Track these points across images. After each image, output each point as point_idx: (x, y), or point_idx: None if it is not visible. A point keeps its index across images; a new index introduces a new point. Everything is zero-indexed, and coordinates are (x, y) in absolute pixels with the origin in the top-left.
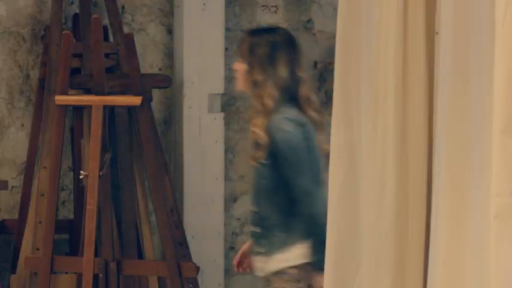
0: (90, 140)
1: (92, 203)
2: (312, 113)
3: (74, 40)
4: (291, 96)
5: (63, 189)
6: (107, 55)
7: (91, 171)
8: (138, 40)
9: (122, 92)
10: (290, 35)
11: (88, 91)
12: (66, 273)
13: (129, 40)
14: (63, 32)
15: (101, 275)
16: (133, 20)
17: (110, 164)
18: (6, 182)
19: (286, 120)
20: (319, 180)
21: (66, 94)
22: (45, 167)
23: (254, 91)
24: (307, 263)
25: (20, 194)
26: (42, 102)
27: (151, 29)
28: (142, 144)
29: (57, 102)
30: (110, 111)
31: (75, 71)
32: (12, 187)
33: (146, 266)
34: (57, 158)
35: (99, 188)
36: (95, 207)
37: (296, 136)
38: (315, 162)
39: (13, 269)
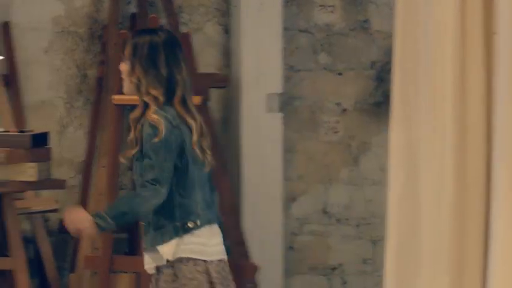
0: None
1: None
2: (187, 116)
3: None
4: (170, 96)
5: (121, 188)
6: None
7: None
8: (195, 40)
9: None
10: (172, 36)
11: None
12: (126, 272)
13: (186, 39)
14: (120, 32)
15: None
16: (190, 20)
17: None
18: (64, 181)
19: (162, 118)
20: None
21: (122, 93)
22: (103, 166)
23: (138, 90)
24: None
25: (78, 193)
26: (100, 101)
27: (208, 28)
28: None
29: (114, 102)
30: None
31: None
32: (71, 186)
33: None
34: (115, 157)
35: None
36: None
37: (165, 135)
38: (181, 162)
39: (72, 268)
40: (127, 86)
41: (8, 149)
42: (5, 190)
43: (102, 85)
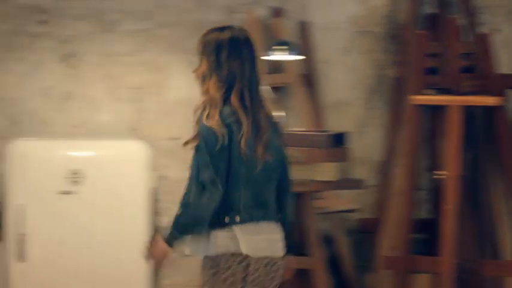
0: (447, 140)
1: (451, 203)
2: (241, 113)
3: (430, 40)
4: (229, 92)
5: (420, 189)
6: (464, 55)
7: (450, 171)
8: (494, 40)
9: (477, 92)
10: (239, 33)
11: (444, 91)
12: (424, 273)
13: (484, 40)
14: (418, 32)
15: (458, 275)
16: (489, 20)
17: (469, 165)
18: (361, 181)
19: (215, 121)
20: (221, 175)
21: (421, 94)
22: (401, 167)
23: (202, 85)
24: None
25: (376, 193)
26: (398, 101)
27: (508, 29)
28: (499, 146)
29: (413, 102)
30: (466, 111)
31: (432, 71)
32: (370, 186)
33: (506, 266)
34: (414, 158)
35: (458, 189)
36: (453, 208)
37: (213, 133)
38: (226, 160)
39: (370, 268)
40: (197, 80)
41: (308, 148)
42: (305, 189)
43: (401, 85)
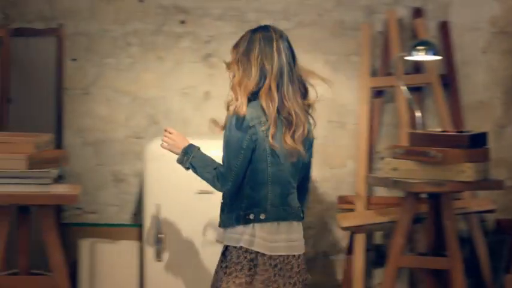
0: None
1: None
2: (271, 111)
3: None
4: (260, 87)
5: None
6: None
7: None
8: None
9: None
10: (272, 30)
11: None
12: None
13: None
14: None
15: None
16: None
17: None
18: (501, 181)
19: (235, 119)
20: (232, 172)
21: None
22: None
23: (232, 81)
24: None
25: None
26: None
27: None
28: None
29: None
30: None
31: None
32: (508, 187)
33: None
34: None
35: None
36: None
37: (235, 133)
38: (243, 160)
39: (508, 269)
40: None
41: (446, 149)
42: (443, 190)
43: None
